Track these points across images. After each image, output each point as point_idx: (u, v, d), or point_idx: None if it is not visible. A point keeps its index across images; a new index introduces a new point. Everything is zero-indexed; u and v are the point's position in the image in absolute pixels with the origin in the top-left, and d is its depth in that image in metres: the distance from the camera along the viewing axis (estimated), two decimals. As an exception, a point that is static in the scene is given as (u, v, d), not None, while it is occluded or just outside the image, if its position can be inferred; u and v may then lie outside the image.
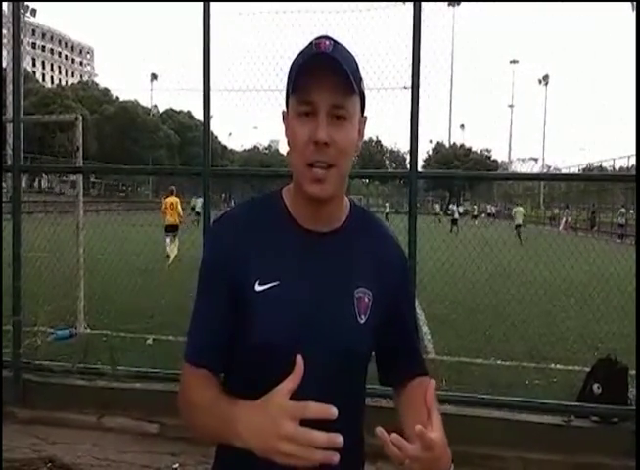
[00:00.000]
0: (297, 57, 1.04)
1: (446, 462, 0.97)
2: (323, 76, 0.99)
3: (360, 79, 1.04)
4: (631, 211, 23.82)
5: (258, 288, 1.05)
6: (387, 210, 33.56)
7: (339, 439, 0.83)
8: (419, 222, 3.67)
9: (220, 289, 1.08)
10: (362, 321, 1.09)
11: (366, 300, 1.10)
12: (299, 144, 1.02)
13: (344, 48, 1.03)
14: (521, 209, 23.36)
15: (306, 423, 1.07)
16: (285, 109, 1.09)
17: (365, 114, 1.10)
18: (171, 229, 13.04)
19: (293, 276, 1.07)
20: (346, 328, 1.08)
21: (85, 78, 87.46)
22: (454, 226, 23.05)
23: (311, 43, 1.02)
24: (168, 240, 12.92)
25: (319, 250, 1.10)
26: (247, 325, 1.06)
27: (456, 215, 25.98)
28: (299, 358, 0.88)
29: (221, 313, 1.08)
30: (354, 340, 1.08)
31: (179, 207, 13.43)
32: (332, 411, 0.84)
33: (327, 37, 1.02)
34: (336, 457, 0.83)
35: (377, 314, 1.11)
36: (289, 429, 0.84)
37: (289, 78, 1.03)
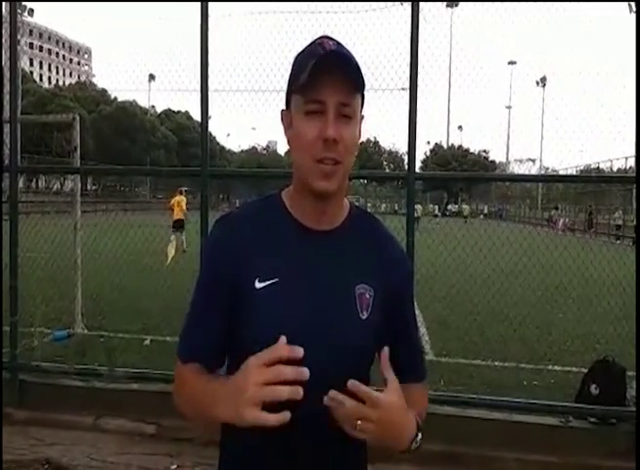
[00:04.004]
0: (301, 56, 1.04)
1: (405, 428, 0.99)
2: (333, 75, 0.99)
3: (363, 80, 1.05)
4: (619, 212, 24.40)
5: (258, 285, 1.06)
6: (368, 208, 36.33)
7: (306, 372, 0.87)
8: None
9: (219, 287, 1.08)
10: (364, 317, 1.09)
11: (367, 296, 1.10)
12: (307, 142, 1.02)
13: (346, 48, 1.04)
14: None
15: (310, 416, 1.06)
16: (284, 108, 1.08)
17: (362, 113, 1.10)
18: (178, 224, 14.19)
19: (292, 273, 1.07)
20: (348, 324, 1.08)
21: (83, 78, 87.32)
22: (416, 224, 25.02)
23: (314, 43, 1.02)
24: (173, 236, 13.75)
25: (319, 247, 1.10)
26: (246, 322, 1.06)
27: (418, 213, 28.04)
28: (282, 338, 0.91)
29: (217, 311, 1.09)
30: (357, 336, 1.08)
31: (183, 205, 14.57)
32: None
33: (328, 37, 1.03)
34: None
35: (379, 311, 1.11)
36: (256, 388, 0.87)
37: (294, 77, 1.03)
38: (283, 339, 0.90)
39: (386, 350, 1.00)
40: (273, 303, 1.05)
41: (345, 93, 1.01)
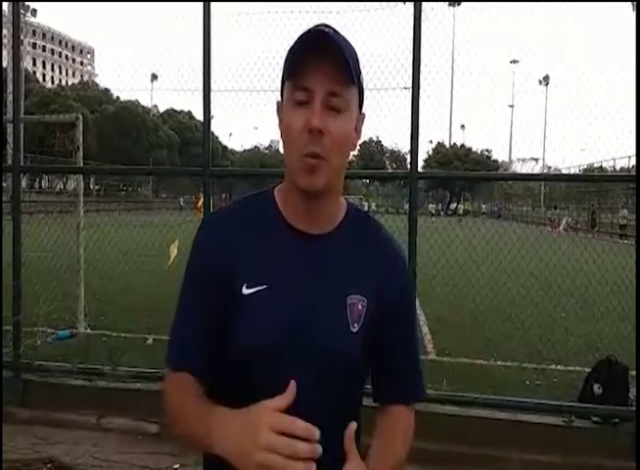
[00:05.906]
0: (295, 41, 0.98)
1: None
2: (321, 60, 0.94)
3: (359, 73, 1.00)
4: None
5: (245, 291, 1.01)
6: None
7: (319, 449, 0.82)
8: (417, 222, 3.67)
9: (206, 291, 1.03)
10: (355, 330, 1.03)
11: (359, 307, 1.03)
12: (293, 133, 0.97)
13: (345, 39, 0.99)
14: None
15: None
16: (280, 99, 1.04)
17: (363, 111, 1.05)
18: None
19: (281, 280, 1.01)
20: (337, 336, 1.02)
21: (85, 78, 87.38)
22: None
23: (309, 29, 0.96)
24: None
25: (311, 253, 1.04)
26: (232, 329, 1.01)
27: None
28: (292, 383, 0.87)
29: (206, 315, 1.02)
30: (345, 348, 1.02)
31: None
32: (315, 434, 0.82)
33: (327, 25, 0.97)
34: (313, 467, 0.81)
35: (371, 323, 1.05)
36: (270, 438, 0.81)
37: (284, 64, 0.98)
38: (292, 385, 0.87)
39: (352, 426, 0.95)
40: (258, 310, 1.00)
41: (335, 81, 0.94)
